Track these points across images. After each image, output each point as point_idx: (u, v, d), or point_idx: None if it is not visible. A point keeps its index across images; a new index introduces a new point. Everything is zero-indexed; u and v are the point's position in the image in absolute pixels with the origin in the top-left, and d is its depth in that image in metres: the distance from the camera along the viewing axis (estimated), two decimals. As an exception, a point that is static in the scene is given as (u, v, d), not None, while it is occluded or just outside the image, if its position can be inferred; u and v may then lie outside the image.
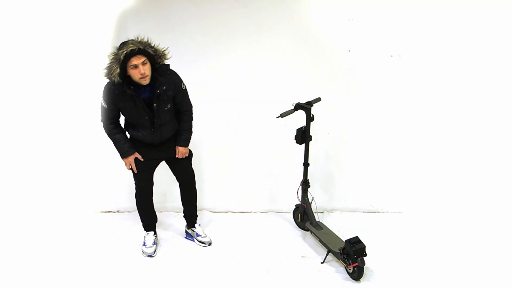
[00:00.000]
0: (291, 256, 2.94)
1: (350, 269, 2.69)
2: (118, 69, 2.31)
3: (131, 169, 2.76)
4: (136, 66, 2.33)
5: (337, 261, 2.85)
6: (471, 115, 3.44)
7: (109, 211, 3.52)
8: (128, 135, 2.72)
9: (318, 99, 2.96)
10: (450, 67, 3.35)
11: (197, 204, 3.14)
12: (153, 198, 3.02)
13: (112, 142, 2.67)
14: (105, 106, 2.51)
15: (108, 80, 2.46)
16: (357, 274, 2.65)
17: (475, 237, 3.16)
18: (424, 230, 3.28)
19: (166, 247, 3.03)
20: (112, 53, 2.32)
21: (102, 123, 2.64)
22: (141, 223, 3.04)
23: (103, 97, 2.51)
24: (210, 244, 3.05)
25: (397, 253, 2.98)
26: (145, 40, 2.38)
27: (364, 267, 2.67)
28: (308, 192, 3.10)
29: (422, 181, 3.54)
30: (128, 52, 2.28)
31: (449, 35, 3.30)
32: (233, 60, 3.33)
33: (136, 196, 2.94)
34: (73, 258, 2.85)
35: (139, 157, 2.67)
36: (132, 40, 2.36)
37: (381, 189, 3.58)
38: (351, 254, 2.60)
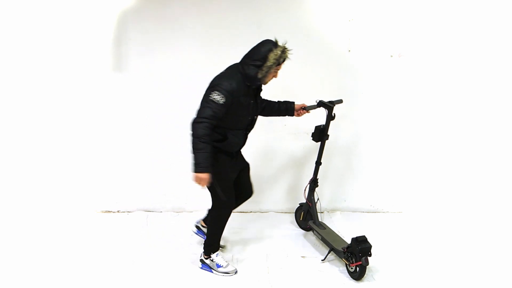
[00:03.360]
0: (291, 256, 2.94)
1: (352, 268, 2.67)
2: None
3: (217, 189, 2.49)
4: (277, 70, 2.44)
5: (338, 261, 2.85)
6: (471, 115, 3.44)
7: (109, 211, 3.52)
8: (219, 145, 2.50)
9: (340, 101, 2.92)
10: (450, 67, 3.36)
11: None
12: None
13: (195, 150, 2.32)
14: (223, 100, 2.31)
15: (225, 77, 2.43)
16: (358, 273, 2.64)
17: (475, 237, 3.17)
18: (424, 230, 3.28)
19: (166, 247, 3.02)
20: (275, 55, 2.33)
21: (200, 122, 2.32)
22: (209, 246, 2.70)
23: (222, 91, 2.32)
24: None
25: (397, 253, 2.98)
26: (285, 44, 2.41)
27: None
28: (315, 192, 3.09)
29: (422, 181, 3.55)
30: (286, 58, 2.38)
31: (449, 35, 3.30)
32: (233, 60, 3.31)
33: (219, 214, 2.63)
34: (73, 258, 2.85)
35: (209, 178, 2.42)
36: (279, 44, 2.38)
37: (381, 189, 3.58)
38: (357, 252, 2.58)
